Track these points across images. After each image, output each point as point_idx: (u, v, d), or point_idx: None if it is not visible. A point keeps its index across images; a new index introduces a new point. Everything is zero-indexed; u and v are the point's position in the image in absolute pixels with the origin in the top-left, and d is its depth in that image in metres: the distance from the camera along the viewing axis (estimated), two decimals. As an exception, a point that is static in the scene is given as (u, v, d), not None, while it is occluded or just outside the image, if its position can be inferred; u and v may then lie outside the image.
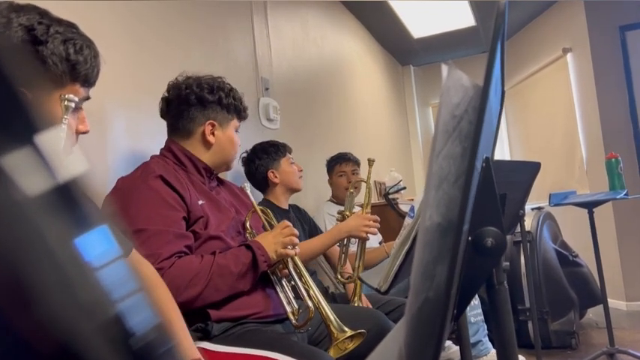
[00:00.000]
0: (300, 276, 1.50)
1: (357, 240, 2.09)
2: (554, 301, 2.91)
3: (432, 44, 5.19)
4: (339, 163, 2.91)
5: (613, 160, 2.66)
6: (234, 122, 1.64)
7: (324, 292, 2.10)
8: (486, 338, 2.48)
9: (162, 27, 1.99)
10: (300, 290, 1.47)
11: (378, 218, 2.01)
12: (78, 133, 0.99)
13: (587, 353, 2.64)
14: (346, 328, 1.39)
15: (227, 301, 1.39)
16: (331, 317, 1.41)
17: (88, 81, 0.97)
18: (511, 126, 5.36)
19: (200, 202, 1.45)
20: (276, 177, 2.26)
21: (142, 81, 1.82)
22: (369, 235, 1.99)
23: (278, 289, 1.48)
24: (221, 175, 1.74)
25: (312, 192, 2.90)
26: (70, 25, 0.94)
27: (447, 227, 0.49)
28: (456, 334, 1.22)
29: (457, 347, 2.31)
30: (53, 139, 0.23)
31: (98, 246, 0.24)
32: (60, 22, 0.92)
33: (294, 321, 1.43)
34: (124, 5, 1.80)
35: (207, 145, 1.57)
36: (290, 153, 2.34)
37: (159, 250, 1.28)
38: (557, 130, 4.54)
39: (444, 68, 0.44)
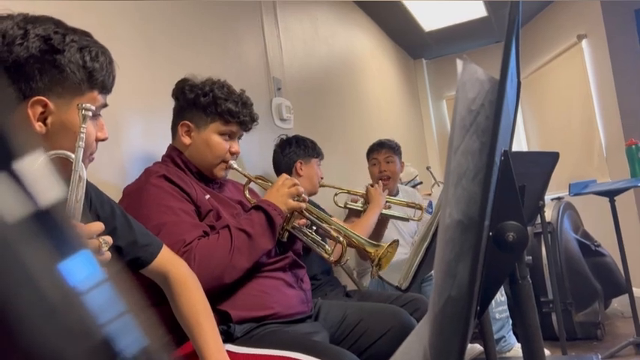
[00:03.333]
0: (319, 218, 1.52)
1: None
2: (577, 292, 2.87)
3: (444, 37, 5.14)
4: (373, 151, 2.91)
5: (633, 146, 2.61)
6: (216, 125, 1.53)
7: (342, 289, 2.10)
8: (510, 333, 2.45)
9: (173, 31, 2.00)
10: (325, 229, 1.49)
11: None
12: (97, 140, 1.00)
13: (614, 344, 2.60)
14: (379, 243, 1.40)
15: (248, 300, 1.39)
16: (362, 240, 1.42)
17: (106, 87, 0.98)
18: (527, 116, 5.29)
19: (207, 197, 1.47)
20: (301, 169, 2.30)
21: (155, 85, 1.83)
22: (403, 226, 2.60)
23: (305, 240, 1.50)
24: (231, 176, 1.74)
25: (328, 191, 2.89)
26: (84, 34, 0.95)
27: (467, 224, 0.48)
28: (478, 329, 1.21)
29: (469, 345, 2.30)
30: (31, 165, 0.23)
31: (82, 270, 0.24)
32: (75, 30, 0.94)
33: (330, 258, 1.45)
34: (135, 10, 1.81)
35: (183, 147, 1.56)
36: (321, 160, 2.41)
37: (182, 237, 1.31)
38: (575, 118, 4.47)
39: (459, 63, 0.44)
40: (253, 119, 1.61)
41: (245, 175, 1.63)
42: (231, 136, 1.58)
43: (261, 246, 1.39)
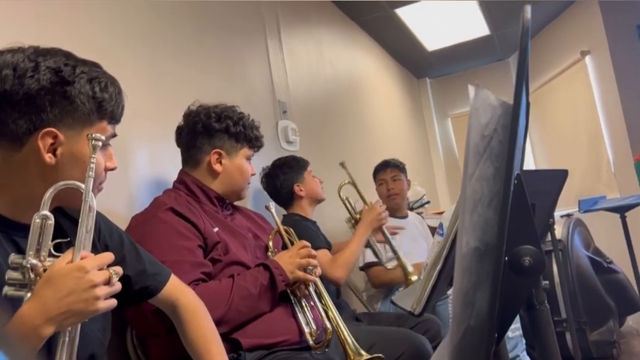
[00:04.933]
0: (320, 297, 1.50)
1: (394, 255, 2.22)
2: (591, 311, 2.82)
3: (447, 56, 5.17)
4: (379, 172, 2.91)
5: (642, 161, 2.60)
6: (245, 151, 1.63)
7: (352, 314, 2.07)
8: (524, 353, 2.41)
9: (179, 57, 2.02)
10: (319, 311, 1.46)
11: (381, 201, 2.28)
12: (106, 170, 1.01)
13: (631, 363, 2.54)
14: (363, 352, 1.36)
15: (258, 327, 1.38)
16: (349, 340, 1.40)
17: (115, 118, 0.99)
18: (533, 132, 5.29)
19: (215, 230, 1.46)
20: (301, 190, 2.27)
21: (162, 111, 1.84)
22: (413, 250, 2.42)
23: (297, 310, 1.48)
24: (240, 202, 1.74)
25: (336, 212, 2.87)
26: (94, 65, 0.96)
27: (484, 251, 0.47)
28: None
29: None
30: None
31: None
32: (85, 62, 0.95)
33: (311, 342, 1.41)
34: (141, 37, 1.83)
35: (214, 174, 1.57)
36: (309, 164, 2.36)
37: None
38: (581, 134, 4.46)
39: (471, 89, 0.43)
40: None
41: (277, 224, 1.68)
42: (250, 160, 1.66)
43: (258, 307, 1.39)
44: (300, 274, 1.45)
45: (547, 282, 0.61)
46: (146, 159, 1.76)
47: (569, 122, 4.65)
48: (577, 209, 2.64)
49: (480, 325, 0.43)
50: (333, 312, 1.46)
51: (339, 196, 2.39)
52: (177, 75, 1.98)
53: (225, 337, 1.32)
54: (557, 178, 1.68)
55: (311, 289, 1.49)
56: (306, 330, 1.43)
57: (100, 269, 0.82)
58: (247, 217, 1.70)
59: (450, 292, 2.15)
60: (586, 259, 3.00)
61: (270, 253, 1.60)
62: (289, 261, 1.46)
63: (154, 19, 1.92)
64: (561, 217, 3.16)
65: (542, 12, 4.49)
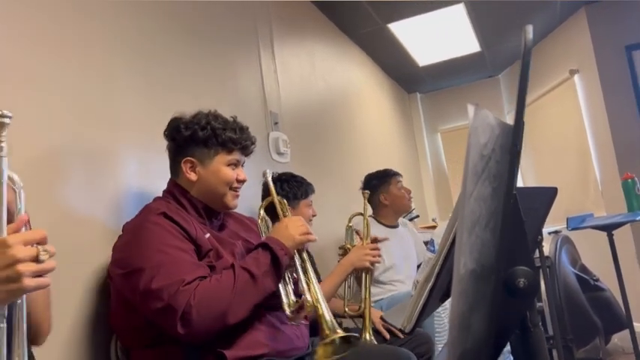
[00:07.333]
0: (305, 271, 1.46)
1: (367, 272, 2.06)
2: (578, 328, 2.82)
3: (438, 71, 5.21)
4: (395, 175, 2.94)
5: (629, 180, 2.62)
6: (222, 156, 1.52)
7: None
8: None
9: (172, 68, 2.01)
10: (302, 284, 1.43)
11: (379, 246, 2.05)
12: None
13: (616, 381, 2.55)
14: (339, 330, 1.31)
15: (244, 339, 1.36)
16: (326, 316, 1.34)
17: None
18: (522, 150, 5.32)
19: (207, 236, 1.44)
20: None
21: (154, 121, 1.82)
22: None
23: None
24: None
25: (322, 227, 2.86)
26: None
27: (480, 273, 0.46)
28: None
29: None
30: None
31: None
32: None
33: (288, 312, 1.39)
34: (134, 47, 1.82)
35: (190, 183, 1.53)
36: (313, 194, 2.31)
37: (181, 276, 1.26)
38: (570, 152, 4.50)
39: (470, 109, 0.43)
40: (253, 142, 1.61)
41: (271, 192, 1.68)
42: (236, 165, 1.56)
43: (265, 287, 1.36)
44: (302, 237, 1.46)
45: (541, 304, 0.60)
46: (136, 169, 1.74)
47: (557, 140, 4.70)
48: (565, 226, 2.65)
49: (476, 347, 0.42)
50: (315, 287, 1.41)
51: (348, 222, 2.31)
52: (169, 85, 1.97)
53: (211, 350, 1.30)
54: (546, 196, 1.68)
55: (297, 262, 1.46)
56: (285, 300, 1.41)
57: (27, 246, 0.77)
58: (239, 222, 1.68)
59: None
60: (573, 276, 3.02)
61: (260, 220, 1.64)
62: (287, 231, 1.46)
63: (147, 29, 1.91)
64: (549, 234, 3.17)
65: (532, 30, 4.54)
